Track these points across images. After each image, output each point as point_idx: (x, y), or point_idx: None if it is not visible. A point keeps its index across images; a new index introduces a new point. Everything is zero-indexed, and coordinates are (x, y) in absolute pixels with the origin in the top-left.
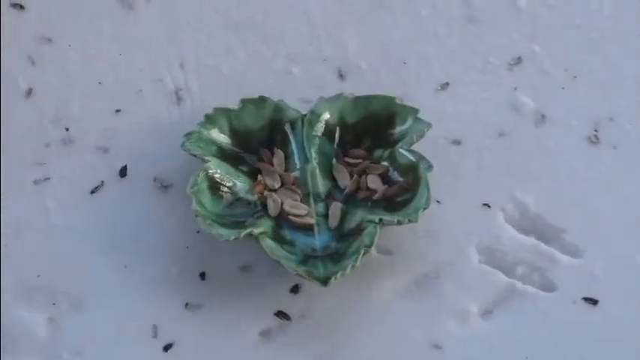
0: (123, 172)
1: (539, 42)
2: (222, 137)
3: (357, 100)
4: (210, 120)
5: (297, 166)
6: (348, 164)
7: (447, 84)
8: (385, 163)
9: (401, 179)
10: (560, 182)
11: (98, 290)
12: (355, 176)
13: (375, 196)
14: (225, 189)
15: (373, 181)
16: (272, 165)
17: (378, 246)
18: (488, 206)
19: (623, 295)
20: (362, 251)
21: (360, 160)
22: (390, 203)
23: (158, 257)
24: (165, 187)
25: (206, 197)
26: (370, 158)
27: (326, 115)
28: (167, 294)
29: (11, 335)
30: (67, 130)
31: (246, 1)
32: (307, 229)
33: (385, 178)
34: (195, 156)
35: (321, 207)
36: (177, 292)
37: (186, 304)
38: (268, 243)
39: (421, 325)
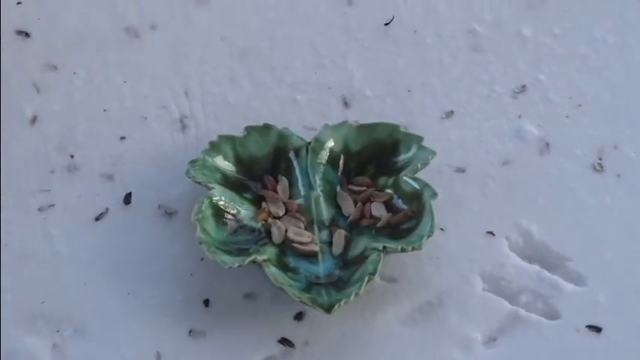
0: (127, 199)
1: (544, 70)
2: (226, 165)
3: (362, 128)
4: (214, 147)
5: (302, 194)
6: (352, 192)
7: (452, 112)
8: (389, 191)
9: (405, 207)
10: (565, 210)
11: (102, 317)
12: (359, 204)
13: (379, 224)
14: (230, 216)
15: (377, 209)
16: (276, 192)
17: (382, 273)
18: (493, 234)
19: (627, 323)
20: (366, 279)
21: (364, 188)
22: (394, 231)
23: (162, 284)
24: (169, 214)
25: (210, 224)
26: (374, 186)
27: (330, 143)
28: (171, 321)
29: None
30: (72, 157)
31: (252, 30)
32: (311, 256)
33: (389, 206)
34: (199, 183)
35: (325, 234)
36: (181, 319)
37: (190, 331)
38: (272, 270)
39: (425, 353)
